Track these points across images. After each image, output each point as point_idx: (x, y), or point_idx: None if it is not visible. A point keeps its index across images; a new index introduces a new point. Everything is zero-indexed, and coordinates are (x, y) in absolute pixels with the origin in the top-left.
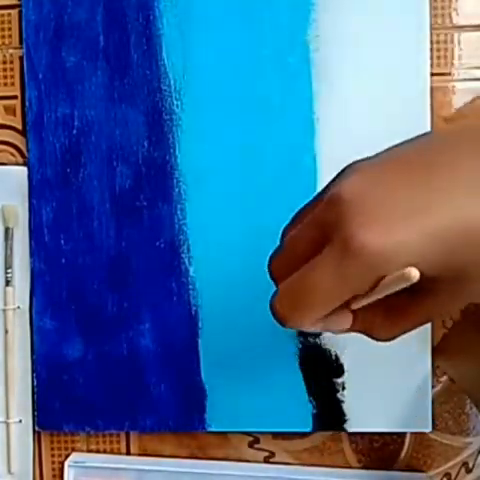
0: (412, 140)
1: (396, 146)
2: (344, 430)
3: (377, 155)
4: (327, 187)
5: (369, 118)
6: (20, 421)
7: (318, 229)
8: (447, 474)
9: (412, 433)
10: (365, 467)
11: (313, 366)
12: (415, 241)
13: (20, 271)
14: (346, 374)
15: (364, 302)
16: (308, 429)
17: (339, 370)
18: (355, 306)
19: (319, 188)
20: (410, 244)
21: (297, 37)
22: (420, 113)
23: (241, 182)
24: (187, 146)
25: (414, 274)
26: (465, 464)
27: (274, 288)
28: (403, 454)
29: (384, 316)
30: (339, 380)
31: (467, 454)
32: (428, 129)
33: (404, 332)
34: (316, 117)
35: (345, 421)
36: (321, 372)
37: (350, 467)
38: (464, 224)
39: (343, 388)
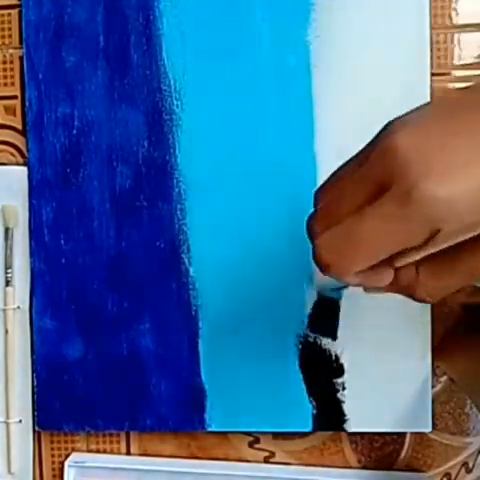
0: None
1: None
2: (344, 430)
3: (416, 108)
4: (368, 146)
5: (369, 118)
6: (20, 421)
7: (370, 183)
8: (447, 474)
9: (412, 433)
10: (365, 467)
11: (313, 366)
12: (477, 189)
13: (20, 271)
14: (346, 374)
15: (412, 258)
16: (308, 429)
17: (339, 370)
18: (400, 263)
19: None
20: (473, 192)
21: (297, 37)
22: None
23: (241, 182)
24: (187, 146)
25: None
26: (465, 464)
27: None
28: (403, 454)
29: (427, 275)
30: (339, 380)
31: (467, 454)
32: None
33: (447, 292)
34: (316, 117)
35: (345, 421)
36: (321, 372)
37: (350, 467)
38: None
39: (343, 388)
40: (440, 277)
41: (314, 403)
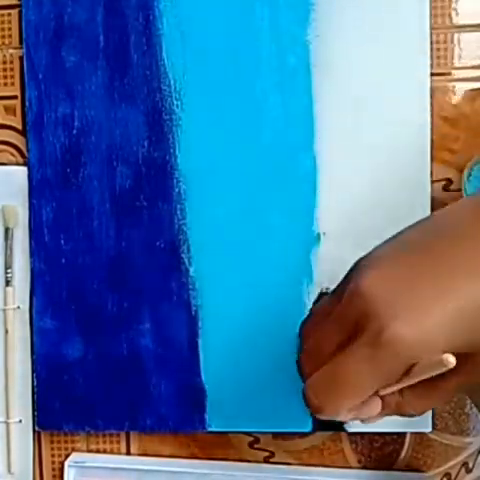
0: (411, 227)
1: (398, 235)
2: (344, 430)
3: (380, 247)
4: (341, 286)
5: (368, 118)
6: (20, 421)
7: (343, 326)
8: (447, 474)
9: (412, 433)
10: (365, 467)
11: None
12: (446, 324)
13: (20, 271)
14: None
15: (395, 388)
16: (308, 429)
17: None
18: (384, 392)
19: (319, 188)
20: (441, 328)
21: (297, 37)
22: (420, 113)
23: (241, 182)
24: (187, 146)
25: (451, 360)
26: (465, 464)
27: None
28: (403, 454)
29: (411, 397)
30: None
31: (467, 454)
32: (428, 129)
33: (433, 406)
34: (316, 117)
35: (345, 421)
36: None
37: (350, 467)
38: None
39: None
40: (423, 398)
41: None
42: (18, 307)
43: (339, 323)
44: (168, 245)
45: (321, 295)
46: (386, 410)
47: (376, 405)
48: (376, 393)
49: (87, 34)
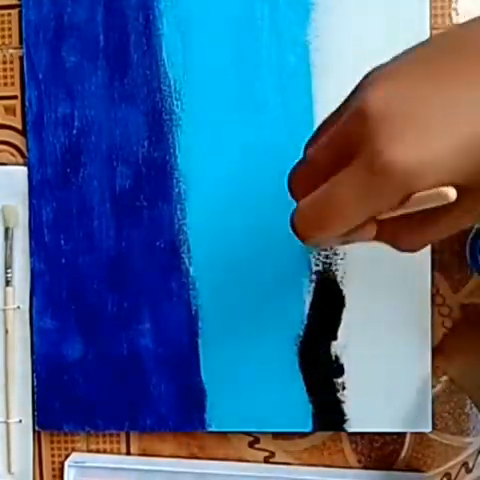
0: (428, 40)
1: (413, 48)
2: (344, 430)
3: (397, 58)
4: (349, 97)
5: None
6: (20, 421)
7: (343, 142)
8: (447, 474)
9: (412, 433)
10: (365, 467)
11: (313, 366)
12: (447, 155)
13: (20, 271)
14: (346, 374)
15: (391, 215)
16: (308, 429)
17: (339, 370)
18: (381, 217)
19: None
20: (442, 158)
21: (297, 37)
22: None
23: (241, 182)
24: (187, 146)
25: (452, 195)
26: (465, 464)
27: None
28: (403, 454)
29: (410, 226)
30: (339, 380)
31: (467, 454)
32: None
33: (431, 242)
34: (316, 117)
35: (345, 421)
36: (321, 372)
37: (350, 467)
38: None
39: (343, 388)
40: (423, 229)
41: (314, 403)
42: (18, 307)
43: (337, 141)
44: (168, 245)
45: None
46: (381, 236)
47: (371, 229)
48: (373, 218)
49: (87, 34)
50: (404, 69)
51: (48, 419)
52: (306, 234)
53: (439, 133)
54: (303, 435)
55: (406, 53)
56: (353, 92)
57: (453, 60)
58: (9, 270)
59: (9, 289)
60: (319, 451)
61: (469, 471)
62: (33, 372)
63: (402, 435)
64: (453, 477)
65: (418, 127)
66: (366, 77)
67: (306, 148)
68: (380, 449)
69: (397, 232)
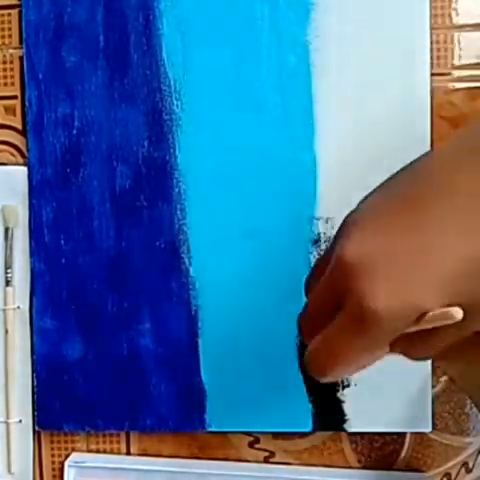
0: (401, 174)
1: (386, 183)
2: (344, 430)
3: (367, 199)
4: (332, 244)
5: (369, 118)
6: (20, 421)
7: (330, 293)
8: (447, 474)
9: (412, 433)
10: (365, 467)
11: None
12: (432, 289)
13: (20, 271)
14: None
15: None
16: (308, 429)
17: None
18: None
19: (319, 188)
20: (426, 294)
21: (297, 37)
22: (420, 113)
23: (241, 182)
24: (187, 146)
25: (458, 315)
26: (465, 464)
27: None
28: (403, 454)
29: (418, 339)
30: (339, 380)
31: (467, 454)
32: (428, 129)
33: (438, 351)
34: (316, 117)
35: (345, 421)
36: None
37: (350, 467)
38: (465, 264)
39: (343, 388)
40: (430, 341)
41: (314, 403)
42: (18, 307)
43: (327, 290)
44: (168, 245)
45: None
46: (392, 351)
47: (381, 353)
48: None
49: (87, 34)
50: (378, 212)
51: (48, 419)
52: (321, 375)
53: (413, 276)
54: (303, 435)
55: (380, 189)
56: (335, 237)
57: (425, 199)
58: (9, 270)
59: (9, 289)
60: (319, 451)
61: (469, 471)
62: (33, 372)
63: (402, 435)
64: (453, 477)
65: (392, 275)
66: (344, 224)
67: (306, 285)
68: (380, 449)
69: (409, 345)
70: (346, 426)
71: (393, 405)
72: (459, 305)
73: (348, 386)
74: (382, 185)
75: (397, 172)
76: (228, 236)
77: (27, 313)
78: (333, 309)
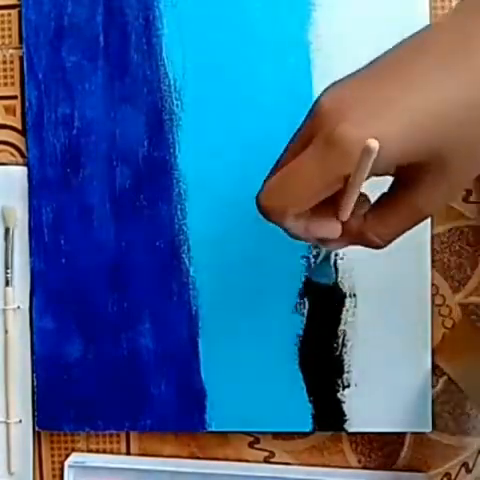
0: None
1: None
2: (344, 430)
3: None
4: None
5: None
6: (20, 421)
7: (303, 140)
8: (447, 474)
9: (412, 433)
10: (365, 467)
11: (313, 366)
12: (396, 131)
13: (20, 271)
14: (346, 374)
15: (348, 204)
16: (308, 429)
17: (339, 370)
18: (342, 215)
19: None
20: (391, 134)
21: (298, 37)
22: None
23: (241, 182)
24: (187, 146)
25: (373, 144)
26: (465, 464)
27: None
28: (403, 454)
29: (374, 221)
30: (339, 380)
31: (467, 454)
32: None
33: (397, 234)
34: None
35: (345, 421)
36: (321, 372)
37: (350, 467)
38: (434, 108)
39: (343, 388)
40: (386, 221)
41: (314, 403)
42: (18, 307)
43: (300, 139)
44: (168, 245)
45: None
46: (348, 236)
47: (334, 227)
48: (336, 217)
49: (87, 34)
50: (355, 75)
51: (48, 419)
52: (269, 209)
53: (381, 114)
54: (303, 435)
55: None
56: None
57: (398, 59)
58: (9, 270)
59: (9, 289)
60: (319, 451)
61: (469, 471)
62: (33, 372)
63: (402, 435)
64: (453, 477)
65: (365, 111)
66: (324, 90)
67: (276, 164)
68: (380, 449)
69: (363, 228)
70: (346, 426)
71: (393, 405)
72: (417, 153)
73: (348, 386)
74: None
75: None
76: (228, 236)
77: (27, 313)
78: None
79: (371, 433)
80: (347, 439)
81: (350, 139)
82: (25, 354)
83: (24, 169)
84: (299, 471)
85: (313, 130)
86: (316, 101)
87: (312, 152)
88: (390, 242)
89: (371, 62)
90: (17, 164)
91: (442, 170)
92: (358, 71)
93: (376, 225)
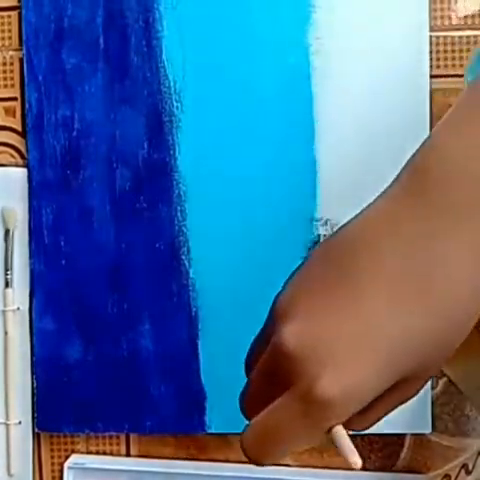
0: (314, 256)
1: (304, 265)
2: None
3: (292, 285)
4: (265, 329)
5: (369, 120)
6: (19, 422)
7: (271, 377)
8: (447, 475)
9: (412, 434)
10: (365, 468)
11: None
12: (373, 369)
13: (20, 273)
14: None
15: (347, 450)
16: None
17: None
18: (357, 462)
19: (319, 191)
20: (369, 374)
21: (297, 39)
22: (420, 115)
23: (241, 183)
24: (187, 148)
25: (358, 463)
26: (465, 466)
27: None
28: (403, 456)
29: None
30: None
31: (467, 456)
32: (427, 131)
33: (377, 421)
34: (316, 119)
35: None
36: None
37: (350, 468)
38: (399, 343)
39: None
40: (366, 414)
41: None
42: (18, 308)
43: (268, 374)
44: (168, 247)
45: None
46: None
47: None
48: None
49: (87, 36)
50: (311, 297)
51: (48, 421)
52: (257, 461)
53: (352, 363)
54: None
55: (301, 272)
56: (269, 318)
57: (346, 280)
58: (9, 272)
59: (9, 291)
60: (319, 452)
61: (469, 473)
62: (33, 374)
63: (402, 437)
64: (453, 478)
65: (334, 362)
66: (278, 304)
67: (246, 363)
68: (380, 450)
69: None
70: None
71: None
72: (402, 377)
73: None
74: (308, 260)
75: (320, 244)
76: (228, 237)
77: (27, 314)
78: (277, 390)
79: (371, 434)
80: None
81: (334, 399)
82: (25, 355)
83: (24, 170)
84: (299, 472)
85: (280, 370)
86: (277, 330)
87: (292, 407)
88: (369, 427)
89: (315, 264)
90: (17, 165)
91: (420, 378)
92: (301, 283)
93: (354, 417)
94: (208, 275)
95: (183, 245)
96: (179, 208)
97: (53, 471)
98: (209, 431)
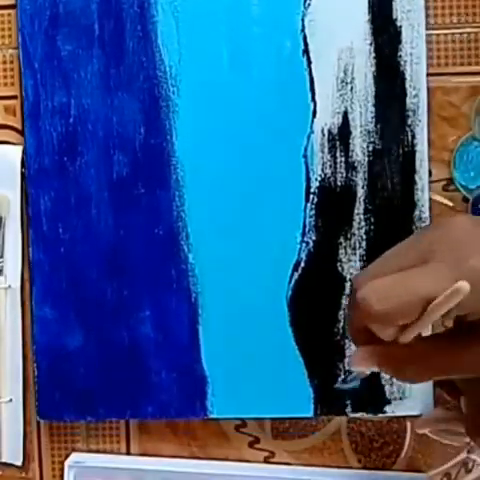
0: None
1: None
2: (345, 414)
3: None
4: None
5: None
6: (10, 400)
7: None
8: (447, 474)
9: (412, 433)
10: (365, 467)
11: (314, 351)
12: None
13: (12, 260)
14: (347, 359)
15: (415, 330)
16: (309, 414)
17: (340, 354)
18: (404, 339)
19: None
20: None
21: (293, 22)
22: (419, 113)
23: (238, 167)
24: (184, 132)
25: (465, 286)
26: (465, 464)
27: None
28: (403, 454)
29: (420, 361)
30: (340, 364)
31: (467, 454)
32: (425, 128)
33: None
34: (312, 102)
35: (346, 405)
36: (322, 356)
37: (350, 467)
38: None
39: (344, 372)
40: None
41: (315, 388)
42: (9, 286)
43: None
44: (167, 232)
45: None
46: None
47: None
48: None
49: (82, 22)
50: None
51: (49, 409)
52: (384, 310)
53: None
54: (303, 435)
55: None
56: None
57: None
58: (1, 259)
59: (0, 278)
60: (319, 451)
61: (469, 471)
62: (24, 358)
63: (402, 435)
64: (453, 477)
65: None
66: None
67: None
68: (380, 449)
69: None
70: (347, 411)
71: (394, 389)
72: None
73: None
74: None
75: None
76: (227, 222)
77: (18, 299)
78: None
79: (371, 434)
80: (347, 439)
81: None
82: (15, 339)
83: (16, 157)
84: (299, 471)
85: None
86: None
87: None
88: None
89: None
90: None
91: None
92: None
93: (418, 365)
94: (207, 260)
95: (182, 230)
96: (177, 193)
97: (53, 470)
98: (211, 416)
